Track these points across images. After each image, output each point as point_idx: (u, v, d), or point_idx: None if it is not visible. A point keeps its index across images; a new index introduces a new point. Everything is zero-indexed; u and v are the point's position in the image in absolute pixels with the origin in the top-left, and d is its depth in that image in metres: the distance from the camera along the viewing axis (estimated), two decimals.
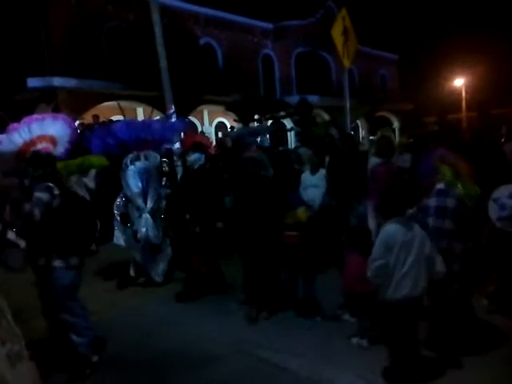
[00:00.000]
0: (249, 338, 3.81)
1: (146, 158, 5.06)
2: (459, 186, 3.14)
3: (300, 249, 3.99)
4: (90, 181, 5.94)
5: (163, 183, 6.21)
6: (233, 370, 3.33)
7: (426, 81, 27.71)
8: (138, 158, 5.03)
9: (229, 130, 16.52)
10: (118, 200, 5.21)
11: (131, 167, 5.00)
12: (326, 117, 19.38)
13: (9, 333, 1.13)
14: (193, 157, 4.90)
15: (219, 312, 4.39)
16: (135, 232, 5.03)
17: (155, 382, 3.29)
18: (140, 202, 4.98)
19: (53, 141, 4.27)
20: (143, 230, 4.94)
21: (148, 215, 4.97)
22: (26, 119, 4.28)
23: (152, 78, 10.46)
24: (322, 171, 5.30)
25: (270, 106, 17.08)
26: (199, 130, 18.91)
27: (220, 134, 19.68)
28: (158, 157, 5.23)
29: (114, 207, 5.22)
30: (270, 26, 23.41)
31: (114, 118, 15.75)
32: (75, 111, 15.23)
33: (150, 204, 5.00)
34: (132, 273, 5.30)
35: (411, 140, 7.36)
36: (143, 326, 4.18)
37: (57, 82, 15.22)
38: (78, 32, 15.98)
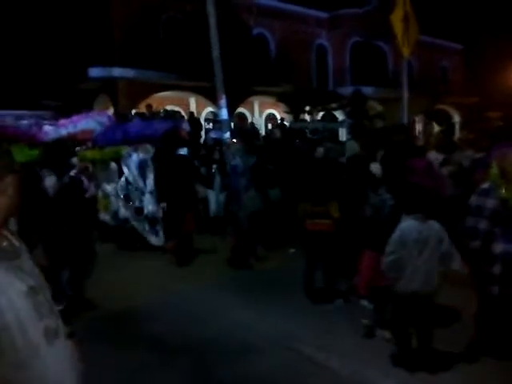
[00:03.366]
0: (290, 331, 3.75)
1: (144, 150, 6.12)
2: (503, 187, 3.04)
3: (331, 237, 4.01)
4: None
5: (213, 170, 6.56)
6: (272, 364, 3.29)
7: (492, 73, 25.81)
8: (136, 150, 6.10)
9: (279, 121, 16.39)
10: (121, 183, 6.20)
11: (134, 156, 6.05)
12: (380, 109, 18.64)
13: (46, 308, 1.13)
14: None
15: (261, 303, 4.36)
16: (136, 208, 6.10)
17: (194, 368, 3.32)
18: (141, 183, 6.02)
19: (91, 133, 5.52)
20: (149, 207, 5.96)
21: (149, 195, 5.98)
22: (73, 118, 5.55)
23: (205, 68, 10.56)
24: (375, 165, 5.06)
25: (321, 97, 16.71)
26: (249, 120, 18.96)
27: (269, 126, 19.62)
28: (151, 149, 6.25)
29: (118, 188, 6.19)
30: (324, 15, 22.83)
31: (168, 107, 16.20)
32: (132, 100, 15.84)
33: (149, 185, 6.04)
34: (136, 241, 6.32)
35: (472, 135, 6.86)
36: (186, 311, 4.26)
37: (116, 72, 15.87)
38: (136, 24, 16.50)
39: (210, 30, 8.20)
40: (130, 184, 6.13)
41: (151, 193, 6.03)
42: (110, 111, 16.47)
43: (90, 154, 6.09)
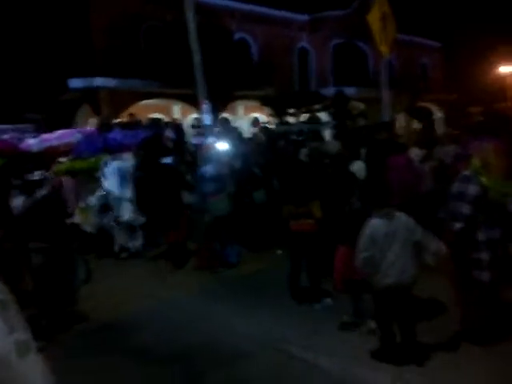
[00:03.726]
0: (279, 333, 3.75)
1: (123, 159, 6.26)
2: (484, 177, 3.15)
3: (314, 237, 4.07)
4: None
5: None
6: (264, 367, 3.29)
7: (470, 69, 26.26)
8: (115, 158, 6.22)
9: (262, 125, 16.43)
10: (100, 192, 6.23)
11: (112, 165, 6.13)
12: (363, 108, 18.81)
13: (16, 322, 1.11)
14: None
15: (248, 306, 4.36)
16: (116, 217, 6.16)
17: (186, 375, 3.28)
18: (119, 192, 6.10)
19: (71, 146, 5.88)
20: (126, 215, 6.08)
21: (127, 203, 6.11)
22: (58, 132, 6.11)
23: (188, 75, 10.56)
24: (358, 163, 5.11)
25: (305, 99, 16.81)
26: (233, 125, 18.94)
27: (254, 130, 19.64)
28: (131, 158, 6.41)
29: (94, 199, 6.23)
30: (305, 18, 23.02)
31: (152, 115, 16.13)
32: (115, 110, 15.71)
33: (128, 193, 6.16)
34: (116, 249, 6.38)
35: (457, 132, 6.98)
36: (174, 319, 4.22)
37: (98, 82, 15.74)
38: (117, 33, 16.42)
39: (189, 35, 8.21)
40: (108, 193, 6.20)
41: (130, 201, 6.16)
42: (93, 121, 16.36)
43: (67, 165, 6.13)
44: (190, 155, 8.02)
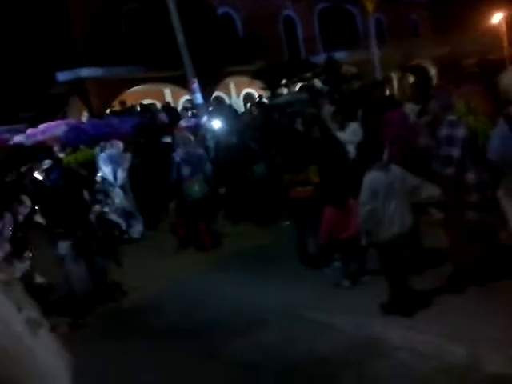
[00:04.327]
0: (292, 299, 3.81)
1: (112, 146, 6.37)
2: (471, 119, 3.18)
3: (312, 203, 4.09)
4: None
5: None
6: (280, 333, 3.36)
7: (461, 21, 25.62)
8: (105, 147, 6.36)
9: (257, 99, 16.24)
10: (97, 180, 6.39)
11: (102, 154, 6.30)
12: (355, 71, 18.53)
13: (23, 301, 1.12)
14: None
15: (259, 276, 4.42)
16: (113, 202, 6.37)
17: (204, 348, 3.36)
18: (111, 179, 6.29)
19: (58, 140, 5.97)
20: (117, 200, 6.29)
21: (118, 189, 6.27)
22: (41, 127, 6.22)
23: (174, 57, 10.37)
24: (353, 125, 5.08)
25: (295, 68, 16.54)
26: (227, 103, 18.74)
27: (248, 105, 19.45)
28: (121, 144, 6.53)
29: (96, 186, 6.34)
30: None
31: (144, 101, 15.93)
32: (105, 99, 15.52)
33: (119, 180, 6.31)
34: (116, 232, 6.42)
35: (451, 86, 6.86)
36: (190, 297, 4.29)
37: (84, 72, 15.51)
38: (97, 20, 16.04)
39: (171, 15, 8.02)
40: (104, 180, 6.37)
41: (121, 187, 6.37)
42: (85, 113, 16.20)
43: (68, 159, 6.21)
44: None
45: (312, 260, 4.33)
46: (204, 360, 3.21)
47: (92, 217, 4.35)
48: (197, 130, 8.02)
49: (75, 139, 6.51)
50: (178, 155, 5.63)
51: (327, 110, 5.30)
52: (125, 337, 3.74)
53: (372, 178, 3.18)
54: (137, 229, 6.60)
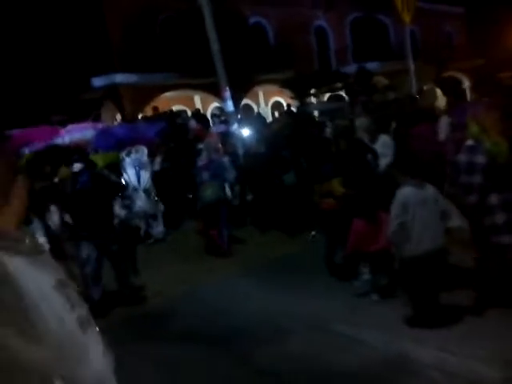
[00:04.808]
0: (319, 311, 3.78)
1: (137, 151, 6.61)
2: (487, 142, 3.16)
3: (340, 214, 4.06)
4: (155, 166, 7.56)
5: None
6: (306, 344, 3.32)
7: (496, 34, 24.98)
8: (130, 152, 6.59)
9: (285, 108, 16.29)
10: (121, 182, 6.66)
11: (127, 159, 6.54)
12: (386, 82, 18.32)
13: (76, 300, 1.16)
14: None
15: (286, 286, 4.39)
16: (135, 206, 6.58)
17: (230, 357, 3.34)
18: (135, 183, 6.56)
19: (88, 143, 6.13)
20: (139, 203, 6.56)
21: (142, 193, 6.56)
22: (68, 128, 6.55)
23: (207, 64, 10.55)
24: (384, 137, 5.01)
25: (325, 78, 16.51)
26: (255, 111, 18.89)
27: (276, 114, 19.53)
28: (145, 149, 6.77)
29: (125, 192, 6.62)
30: None
31: (174, 107, 16.26)
32: (138, 105, 15.94)
33: (143, 184, 6.59)
34: (142, 234, 6.78)
35: (486, 98, 6.69)
36: (214, 302, 4.30)
37: (118, 78, 15.96)
38: (133, 28, 16.53)
39: (206, 24, 8.18)
40: (128, 183, 6.65)
41: (145, 190, 6.63)
42: (118, 118, 16.66)
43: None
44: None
45: (340, 272, 4.29)
46: (227, 367, 3.20)
47: (116, 221, 4.42)
48: (227, 137, 8.12)
49: (104, 143, 6.71)
50: (201, 160, 5.92)
51: (360, 120, 5.27)
52: (146, 340, 3.74)
53: (405, 192, 3.23)
54: (158, 229, 6.85)
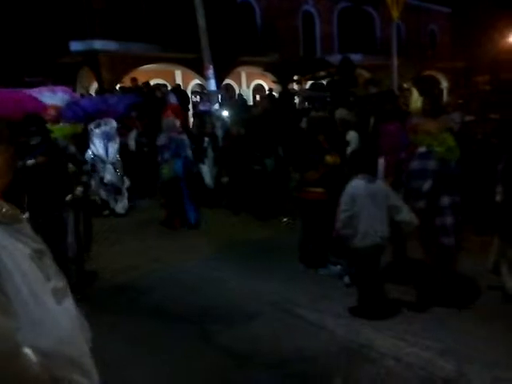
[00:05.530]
0: (287, 296, 3.87)
1: (106, 124, 6.59)
2: (437, 146, 3.31)
3: (324, 205, 4.09)
4: (130, 140, 7.64)
5: (204, 144, 6.70)
6: (270, 328, 3.41)
7: (479, 37, 25.47)
8: (99, 124, 6.55)
9: (267, 92, 16.18)
10: (87, 155, 6.59)
11: (96, 130, 6.52)
12: (368, 76, 18.47)
13: (52, 270, 1.16)
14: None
15: (256, 270, 4.46)
16: (101, 178, 6.64)
17: (196, 335, 3.40)
18: (103, 155, 6.55)
19: (57, 109, 5.77)
20: (108, 176, 6.57)
21: (110, 165, 6.55)
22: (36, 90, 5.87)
23: (191, 39, 10.30)
24: (351, 133, 5.06)
25: (310, 65, 16.45)
26: (236, 92, 18.67)
27: (257, 97, 19.38)
28: (114, 122, 6.74)
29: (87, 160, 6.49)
30: None
31: (154, 80, 15.84)
32: (116, 74, 15.42)
33: (110, 157, 6.60)
34: (106, 212, 6.86)
35: (461, 101, 6.88)
36: (184, 282, 4.33)
37: (97, 44, 15.33)
38: None
39: None
40: (95, 156, 6.61)
41: (112, 163, 6.62)
42: (94, 86, 16.09)
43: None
44: (197, 121, 7.96)
45: (310, 259, 4.38)
46: (193, 345, 3.25)
47: (69, 197, 4.05)
48: (207, 116, 8.02)
49: (73, 115, 6.45)
50: (161, 139, 6.08)
51: (341, 112, 5.30)
52: (116, 314, 3.75)
53: (354, 185, 3.35)
54: (122, 204, 6.88)
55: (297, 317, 3.52)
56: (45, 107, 5.58)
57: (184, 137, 6.30)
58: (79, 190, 4.13)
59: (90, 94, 12.89)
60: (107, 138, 6.63)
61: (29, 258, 1.08)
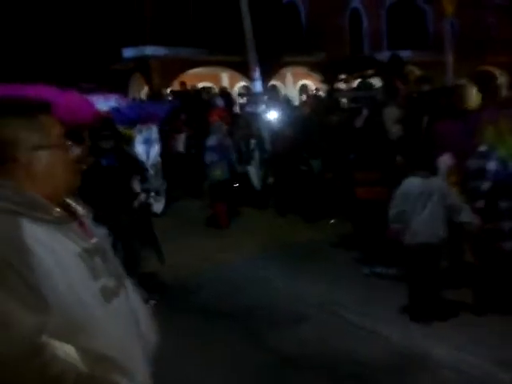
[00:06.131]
0: (336, 298, 3.81)
1: (147, 129, 6.93)
2: (501, 147, 3.14)
3: (380, 204, 3.95)
4: (179, 143, 8.02)
5: (251, 146, 6.75)
6: (319, 330, 3.37)
7: None
8: (141, 130, 6.87)
9: (313, 92, 16.04)
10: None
11: (139, 136, 6.88)
12: (419, 73, 17.77)
13: (103, 269, 1.17)
14: None
15: (304, 271, 4.43)
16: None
17: (243, 334, 3.43)
18: (144, 158, 6.77)
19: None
20: (150, 179, 6.53)
21: (149, 167, 6.67)
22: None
23: (237, 42, 10.41)
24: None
25: (357, 64, 16.10)
26: (282, 93, 18.66)
27: (303, 97, 19.25)
28: (154, 127, 7.05)
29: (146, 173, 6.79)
30: None
31: (201, 83, 16.20)
32: (166, 78, 15.94)
33: (150, 160, 6.88)
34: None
35: None
36: (232, 281, 4.38)
37: (148, 50, 15.95)
38: (167, 0, 16.39)
39: (240, 1, 8.05)
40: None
41: (152, 166, 6.91)
42: (145, 90, 16.72)
43: None
44: (244, 123, 8.02)
45: (367, 260, 4.27)
46: (241, 344, 3.28)
47: (136, 203, 4.15)
48: (253, 118, 8.07)
49: (120, 120, 6.84)
50: (210, 141, 6.35)
51: (391, 112, 5.12)
52: (165, 311, 3.83)
53: (408, 182, 3.27)
54: (159, 205, 7.07)
55: (345, 320, 3.46)
56: (98, 113, 5.89)
57: (229, 140, 6.56)
58: (143, 195, 4.22)
59: (142, 99, 13.40)
60: (148, 142, 7.02)
61: (77, 256, 1.10)
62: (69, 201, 1.23)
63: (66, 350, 1.03)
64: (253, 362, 3.07)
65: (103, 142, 3.96)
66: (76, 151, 1.23)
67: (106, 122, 4.14)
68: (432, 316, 3.29)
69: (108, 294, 1.15)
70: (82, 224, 1.21)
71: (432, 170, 3.40)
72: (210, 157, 6.29)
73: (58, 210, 1.13)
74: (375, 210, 4.11)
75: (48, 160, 1.13)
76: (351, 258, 4.55)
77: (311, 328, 3.40)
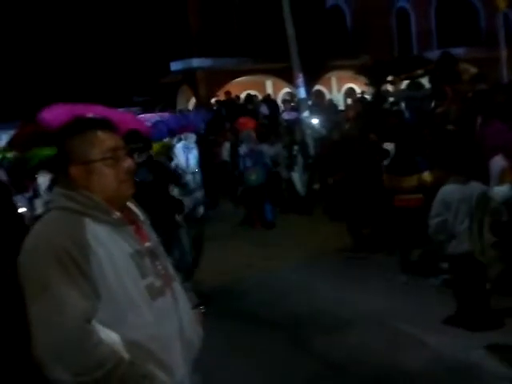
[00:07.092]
0: (384, 307, 3.71)
1: (186, 138, 6.98)
2: None
3: (420, 212, 3.85)
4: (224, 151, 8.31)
5: (294, 152, 6.77)
6: (368, 339, 3.30)
7: None
8: (180, 139, 6.96)
9: (358, 95, 15.75)
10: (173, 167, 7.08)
11: (179, 145, 7.00)
12: (474, 71, 16.89)
13: (151, 270, 1.29)
14: None
15: (351, 279, 4.36)
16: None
17: (289, 341, 3.42)
18: (184, 167, 6.86)
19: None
20: (191, 186, 6.77)
21: (190, 175, 6.81)
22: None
23: (280, 49, 10.50)
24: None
25: (405, 64, 15.60)
26: (327, 97, 18.48)
27: (349, 101, 18.95)
28: (194, 136, 7.11)
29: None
30: None
31: (246, 92, 16.46)
32: (211, 89, 16.37)
33: (190, 167, 6.90)
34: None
35: None
36: (277, 288, 4.38)
37: (195, 63, 16.46)
38: (211, 12, 16.86)
39: (283, 7, 8.11)
40: (177, 167, 6.98)
41: (193, 173, 6.96)
42: (192, 101, 17.25)
43: None
44: (285, 130, 8.06)
45: (415, 268, 4.12)
46: (287, 351, 3.29)
47: (180, 217, 4.02)
48: (296, 124, 8.07)
49: (158, 134, 7.10)
50: (242, 150, 6.83)
51: (453, 110, 4.89)
52: (210, 318, 3.89)
53: (447, 189, 3.18)
54: (199, 211, 7.22)
55: (393, 330, 3.35)
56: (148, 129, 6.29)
57: (262, 146, 6.99)
58: (187, 201, 4.23)
59: (189, 110, 13.84)
60: (187, 150, 7.18)
61: (129, 255, 1.24)
62: (131, 206, 1.37)
63: (112, 337, 1.15)
64: (299, 369, 3.06)
65: (137, 155, 3.73)
66: (128, 163, 1.33)
67: (134, 134, 3.96)
68: (481, 325, 3.14)
69: (154, 292, 1.25)
70: (139, 228, 1.34)
71: (470, 175, 3.23)
72: (243, 163, 6.80)
73: (118, 213, 1.28)
74: (413, 219, 3.98)
75: (101, 171, 1.27)
76: (394, 266, 4.39)
77: (358, 337, 3.34)
